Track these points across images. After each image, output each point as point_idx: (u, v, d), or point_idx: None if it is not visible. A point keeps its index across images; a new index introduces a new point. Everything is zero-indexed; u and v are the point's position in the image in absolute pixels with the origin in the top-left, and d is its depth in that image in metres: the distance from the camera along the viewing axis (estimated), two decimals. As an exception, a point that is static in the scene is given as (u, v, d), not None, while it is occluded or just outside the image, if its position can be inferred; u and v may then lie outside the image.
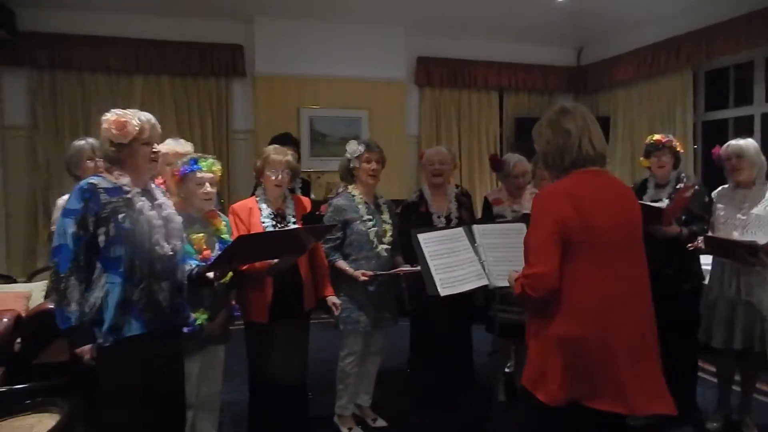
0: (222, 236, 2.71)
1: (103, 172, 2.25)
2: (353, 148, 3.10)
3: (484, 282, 2.36)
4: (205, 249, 2.59)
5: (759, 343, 3.04)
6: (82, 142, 2.98)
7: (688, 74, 5.75)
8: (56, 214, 2.93)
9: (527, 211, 3.45)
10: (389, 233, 3.15)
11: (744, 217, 3.06)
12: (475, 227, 2.43)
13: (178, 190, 2.59)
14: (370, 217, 3.10)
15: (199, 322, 2.54)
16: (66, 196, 2.96)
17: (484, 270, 2.33)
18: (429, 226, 3.24)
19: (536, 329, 1.99)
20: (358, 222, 3.07)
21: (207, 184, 2.57)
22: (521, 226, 2.54)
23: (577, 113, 2.00)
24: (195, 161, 2.59)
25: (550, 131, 2.01)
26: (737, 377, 3.33)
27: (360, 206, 3.10)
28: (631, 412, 1.88)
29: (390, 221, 3.18)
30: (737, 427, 3.24)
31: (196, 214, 2.62)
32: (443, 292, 2.27)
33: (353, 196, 3.13)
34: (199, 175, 2.56)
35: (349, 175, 3.26)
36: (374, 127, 6.47)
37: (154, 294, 2.15)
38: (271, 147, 2.95)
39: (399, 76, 6.60)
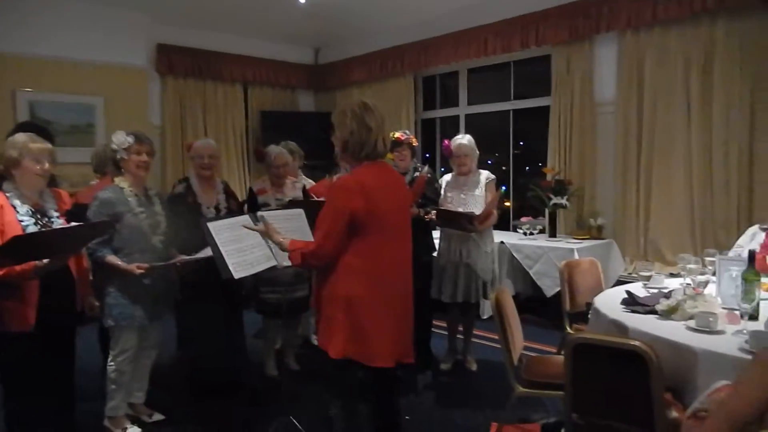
0: (-34, 237, 2.38)
1: None
2: (121, 139, 2.97)
3: (273, 263, 2.55)
4: (-53, 252, 2.26)
5: (474, 296, 3.89)
6: None
7: (411, 79, 6.73)
8: None
9: (293, 198, 3.77)
10: (163, 225, 3.10)
11: (465, 197, 3.88)
12: (261, 214, 2.60)
13: None
14: (142, 209, 3.02)
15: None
16: None
17: (272, 252, 2.53)
18: (199, 217, 3.27)
19: (326, 293, 2.31)
20: (128, 215, 2.96)
21: None
22: (300, 212, 2.83)
23: (377, 112, 2.30)
24: None
25: (355, 123, 2.27)
26: (461, 328, 4.17)
27: (130, 198, 2.99)
28: (393, 364, 2.34)
29: (163, 213, 3.13)
30: (462, 364, 4.09)
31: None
32: (237, 275, 2.40)
33: (122, 188, 3.00)
34: None
35: (112, 166, 3.12)
36: (111, 115, 5.99)
37: None
38: (23, 135, 2.64)
39: (138, 62, 6.23)
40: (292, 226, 2.63)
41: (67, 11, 5.68)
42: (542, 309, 4.87)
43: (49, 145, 2.65)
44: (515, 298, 4.52)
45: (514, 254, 5.02)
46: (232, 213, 3.46)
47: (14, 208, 2.54)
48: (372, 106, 2.33)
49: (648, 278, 3.13)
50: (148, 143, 3.05)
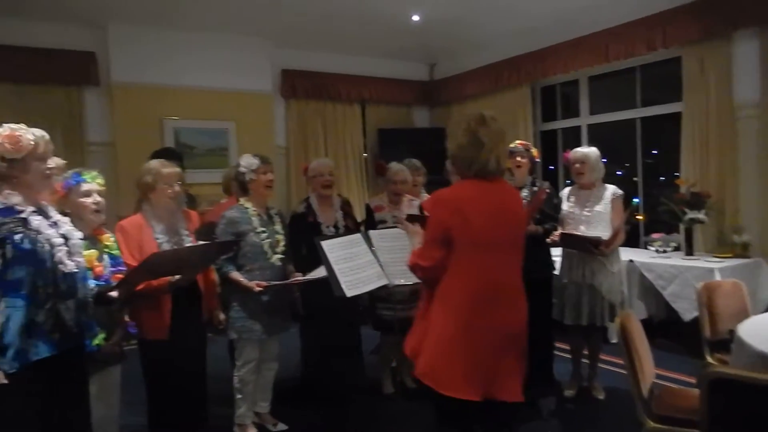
0: (112, 252, 2.65)
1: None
2: (249, 161, 3.18)
3: (384, 282, 2.58)
4: (97, 266, 2.52)
5: (600, 319, 3.63)
6: None
7: (527, 89, 6.53)
8: None
9: (411, 213, 3.78)
10: (282, 243, 3.25)
11: (589, 214, 3.65)
12: (372, 232, 2.65)
13: (61, 206, 2.47)
14: (264, 228, 3.19)
15: (95, 342, 2.46)
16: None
17: (383, 271, 2.55)
18: (320, 235, 3.39)
19: (423, 324, 2.16)
20: (251, 234, 3.14)
21: (95, 195, 2.51)
22: (411, 230, 2.82)
23: (493, 127, 2.11)
24: (78, 174, 2.54)
25: (466, 138, 2.11)
26: (585, 351, 3.91)
27: (253, 218, 3.17)
28: (483, 398, 2.07)
29: (282, 232, 3.29)
30: (588, 391, 3.82)
31: (84, 231, 2.52)
32: (349, 293, 2.44)
33: (246, 208, 3.19)
34: (85, 187, 2.50)
35: (237, 187, 3.33)
36: (242, 138, 6.44)
37: (60, 314, 2.08)
38: (157, 161, 2.91)
39: (265, 87, 6.65)
40: (402, 244, 2.63)
41: (204, 45, 6.21)
42: (679, 334, 4.44)
43: (178, 170, 2.89)
44: (648, 321, 4.17)
45: (645, 274, 4.64)
46: (349, 231, 3.54)
47: (152, 227, 2.79)
48: (489, 119, 2.14)
49: (806, 304, 2.74)
50: (271, 164, 3.26)
